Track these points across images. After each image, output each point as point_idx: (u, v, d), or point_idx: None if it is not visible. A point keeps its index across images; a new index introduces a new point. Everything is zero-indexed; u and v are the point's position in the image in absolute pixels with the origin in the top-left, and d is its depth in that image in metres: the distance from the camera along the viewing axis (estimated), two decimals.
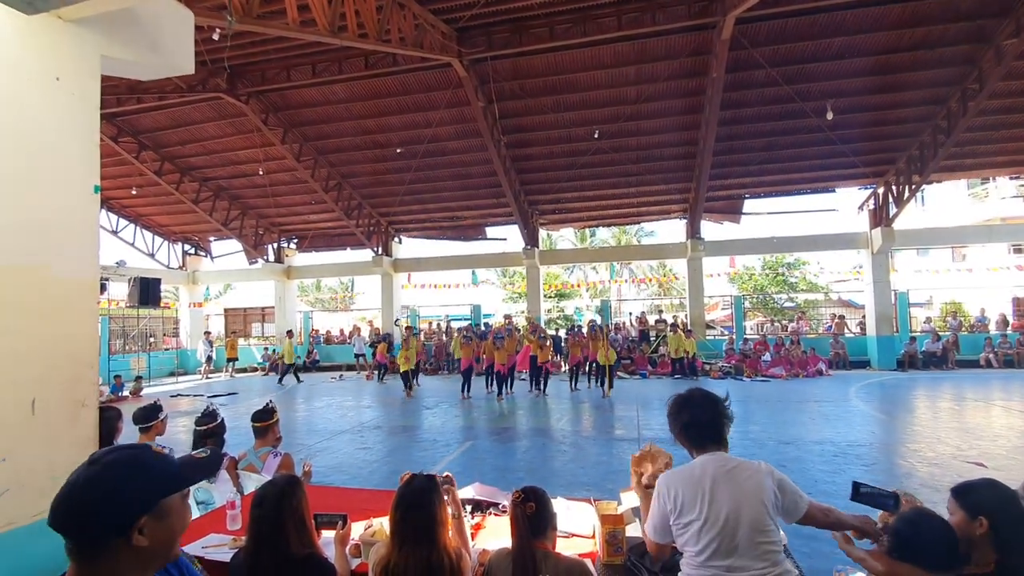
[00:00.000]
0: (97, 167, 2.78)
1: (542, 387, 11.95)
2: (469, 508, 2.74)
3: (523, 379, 12.84)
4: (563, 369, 15.32)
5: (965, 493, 1.78)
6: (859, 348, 16.04)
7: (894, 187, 14.60)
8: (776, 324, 19.83)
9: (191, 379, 18.14)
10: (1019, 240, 18.88)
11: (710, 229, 16.93)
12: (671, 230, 44.67)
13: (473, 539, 2.37)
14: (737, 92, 12.27)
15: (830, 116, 11.73)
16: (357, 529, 2.42)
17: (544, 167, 15.48)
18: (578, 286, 28.68)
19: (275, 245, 19.64)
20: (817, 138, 13.40)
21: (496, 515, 2.77)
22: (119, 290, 16.79)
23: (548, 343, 12.69)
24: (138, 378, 14.77)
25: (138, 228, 19.81)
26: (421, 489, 1.89)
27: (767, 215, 17.92)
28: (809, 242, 17.19)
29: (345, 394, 13.03)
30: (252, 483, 3.26)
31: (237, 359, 18.57)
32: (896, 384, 12.33)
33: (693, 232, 16.29)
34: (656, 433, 7.65)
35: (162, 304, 17.55)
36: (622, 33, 10.50)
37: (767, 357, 15.08)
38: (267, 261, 19.38)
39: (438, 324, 20.54)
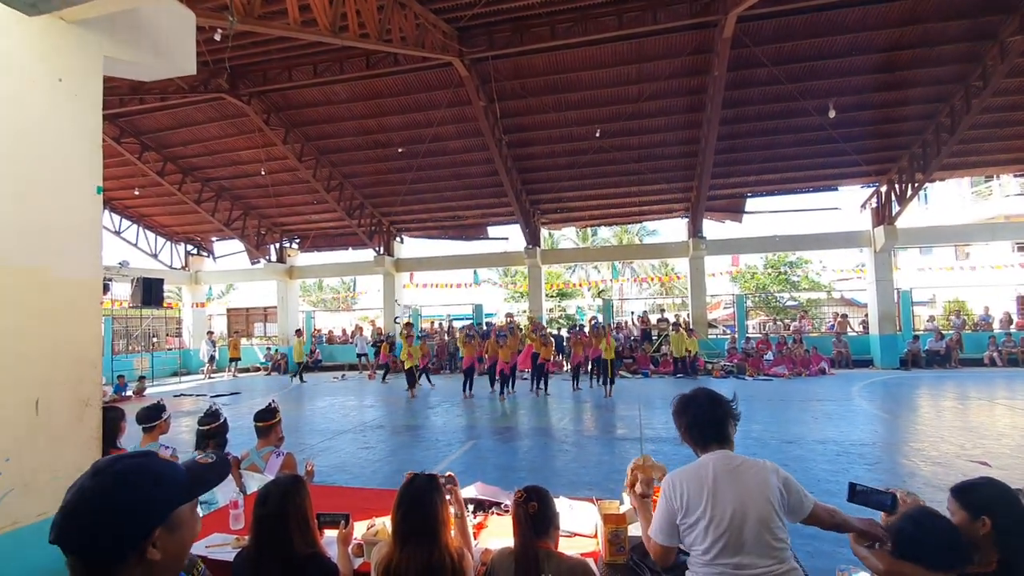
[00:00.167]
0: (99, 168, 2.78)
1: (544, 386, 11.95)
2: (471, 507, 2.74)
3: (524, 378, 12.84)
4: (565, 368, 15.34)
5: (966, 493, 1.78)
6: (862, 347, 16.00)
7: (897, 185, 14.56)
8: (778, 323, 19.80)
9: (194, 379, 18.19)
10: (1023, 238, 18.79)
11: (712, 228, 16.95)
12: (673, 229, 44.68)
13: (475, 538, 2.37)
14: (739, 90, 12.24)
15: (832, 114, 11.70)
16: (359, 528, 2.43)
17: (545, 166, 15.47)
18: (580, 285, 28.65)
19: (277, 245, 19.67)
20: (819, 136, 13.36)
21: (498, 514, 2.77)
22: (122, 290, 16.83)
23: (550, 342, 12.69)
24: (141, 378, 14.82)
25: (141, 229, 19.86)
26: (423, 489, 1.89)
27: (769, 214, 17.93)
28: (811, 240, 17.15)
29: (347, 394, 13.05)
30: (255, 483, 3.26)
31: (240, 359, 18.61)
32: (899, 383, 12.30)
33: (695, 231, 16.27)
34: (658, 432, 7.65)
35: (165, 304, 17.57)
36: (623, 32, 10.48)
37: (769, 356, 15.06)
38: (269, 261, 19.41)
39: (440, 324, 20.54)
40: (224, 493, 3.21)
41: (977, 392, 10.65)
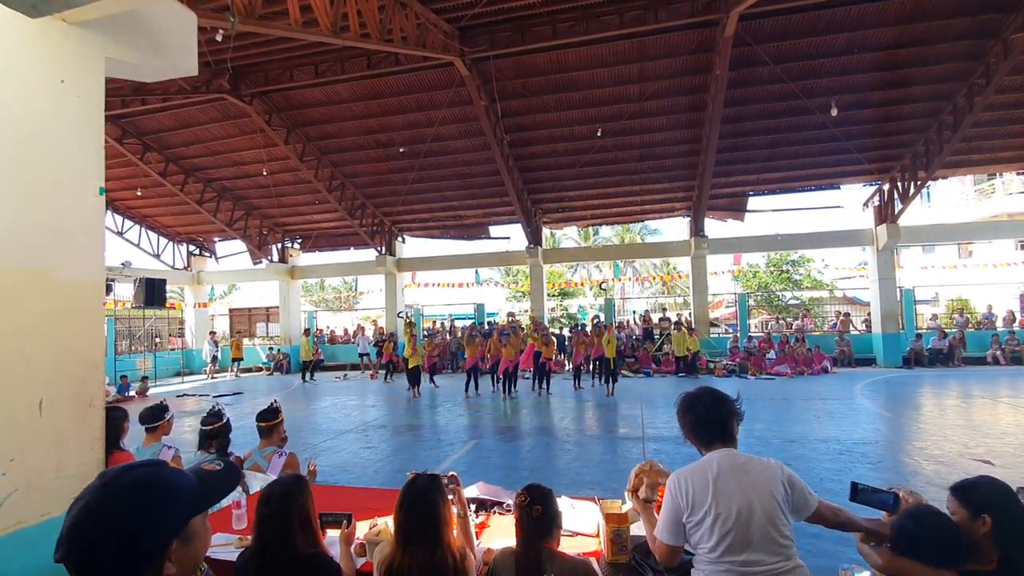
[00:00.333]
0: (102, 169, 2.79)
1: (546, 386, 11.95)
2: (473, 507, 2.74)
3: (526, 378, 12.84)
4: (567, 368, 15.34)
5: (966, 491, 1.78)
6: (864, 345, 15.97)
7: (899, 183, 14.52)
8: (781, 322, 19.76)
9: (197, 379, 18.23)
10: None
11: (714, 227, 16.94)
12: (675, 228, 44.70)
13: (478, 538, 2.37)
14: (741, 89, 12.22)
15: (834, 112, 11.68)
16: (362, 528, 2.43)
17: (547, 165, 15.47)
18: (582, 284, 28.64)
19: (279, 245, 19.70)
20: (821, 135, 13.34)
21: (500, 514, 2.78)
22: (125, 291, 16.88)
23: (552, 341, 12.68)
24: (144, 378, 14.85)
25: (143, 229, 19.91)
26: (425, 488, 1.90)
27: (771, 212, 17.88)
28: (814, 239, 17.12)
29: (349, 393, 13.07)
30: (257, 482, 3.27)
31: (242, 359, 18.65)
32: (902, 381, 12.27)
33: (697, 230, 16.25)
34: (660, 431, 7.64)
35: (167, 305, 17.62)
36: (624, 31, 10.47)
37: (772, 355, 15.04)
38: (271, 261, 19.45)
39: (442, 323, 20.57)
40: None
41: (980, 391, 10.62)
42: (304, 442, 7.59)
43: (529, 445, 7.18)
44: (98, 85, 2.77)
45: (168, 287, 16.82)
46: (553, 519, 1.94)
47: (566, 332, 17.40)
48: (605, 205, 17.19)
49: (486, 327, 15.61)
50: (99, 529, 0.82)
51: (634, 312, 21.80)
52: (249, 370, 19.33)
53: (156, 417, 3.65)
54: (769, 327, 19.15)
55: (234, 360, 18.42)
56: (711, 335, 17.08)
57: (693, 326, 15.64)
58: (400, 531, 1.85)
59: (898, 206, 14.70)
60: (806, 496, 1.90)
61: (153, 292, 15.10)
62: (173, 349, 20.31)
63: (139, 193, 17.61)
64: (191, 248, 21.08)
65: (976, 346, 15.11)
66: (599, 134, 13.41)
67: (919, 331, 15.90)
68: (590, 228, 27.38)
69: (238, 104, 12.91)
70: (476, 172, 15.74)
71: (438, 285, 21.30)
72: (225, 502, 3.17)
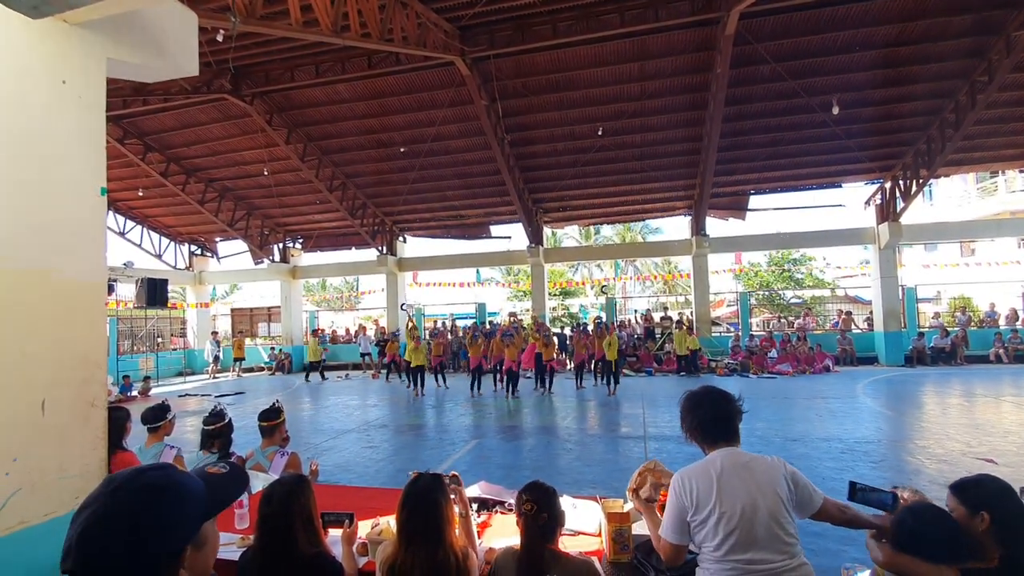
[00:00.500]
0: (103, 169, 2.79)
1: (547, 385, 11.95)
2: (475, 506, 2.74)
3: (528, 377, 12.85)
4: (568, 367, 15.33)
5: (964, 489, 1.79)
6: (866, 344, 15.94)
7: (901, 182, 14.49)
8: (782, 321, 19.73)
9: (199, 379, 18.26)
10: None
11: (715, 225, 16.91)
12: (676, 227, 44.64)
13: (479, 537, 2.37)
14: (741, 88, 12.20)
15: (836, 111, 11.66)
16: (364, 528, 2.43)
17: (548, 165, 15.46)
18: (583, 284, 28.64)
19: (280, 245, 19.72)
20: (823, 133, 13.31)
21: (502, 513, 2.78)
22: (127, 291, 16.90)
23: (553, 341, 12.68)
24: (146, 378, 14.88)
25: (145, 229, 19.94)
26: (428, 488, 1.90)
27: (773, 211, 17.86)
28: (815, 238, 17.09)
29: (351, 393, 13.08)
30: (259, 482, 3.27)
31: (244, 359, 18.68)
32: (904, 380, 12.25)
33: (698, 229, 16.23)
34: (662, 430, 7.64)
35: (169, 305, 17.64)
36: (625, 30, 10.46)
37: (773, 354, 15.02)
38: (273, 261, 19.47)
39: (443, 323, 20.58)
40: None
41: (983, 389, 10.60)
42: (306, 442, 7.61)
43: (531, 444, 7.18)
44: (99, 86, 2.77)
45: (170, 287, 16.84)
46: (557, 521, 1.93)
47: (567, 332, 17.38)
48: (606, 204, 17.18)
49: (487, 327, 15.62)
50: (112, 536, 0.79)
51: (635, 311, 21.80)
52: (251, 370, 19.36)
53: (158, 417, 3.66)
54: (771, 326, 19.13)
55: (236, 360, 18.44)
56: (713, 334, 17.06)
57: (691, 325, 15.62)
58: (402, 530, 1.85)
59: (900, 204, 14.66)
60: (810, 493, 1.90)
61: (155, 292, 15.13)
62: (175, 349, 20.34)
63: (140, 193, 17.64)
64: (193, 248, 21.11)
65: (979, 344, 15.09)
66: (600, 133, 13.41)
67: (921, 330, 15.87)
68: (591, 227, 27.37)
69: (239, 104, 12.93)
70: (477, 171, 15.74)
71: (439, 285, 21.32)
72: None
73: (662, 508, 2.17)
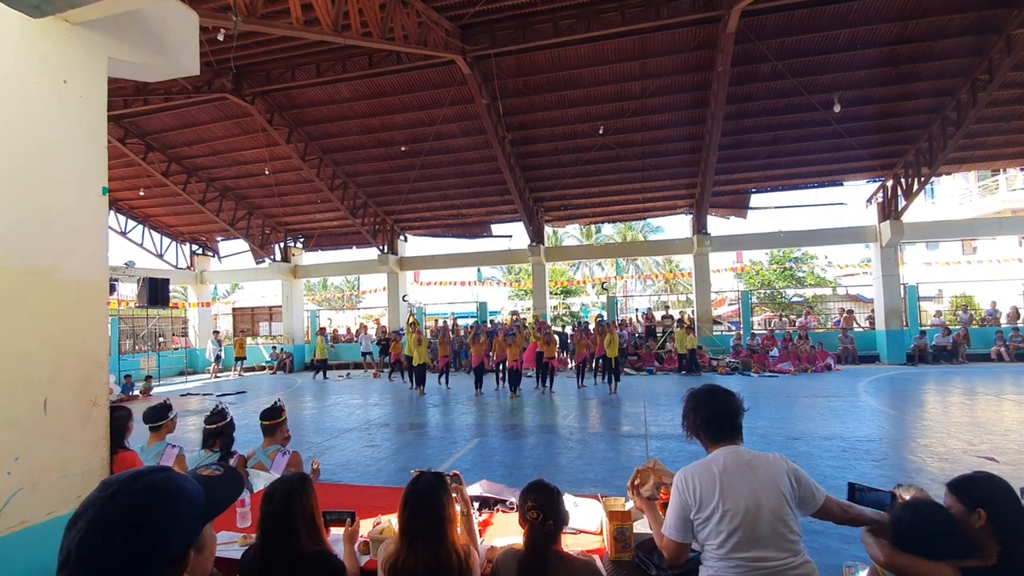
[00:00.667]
0: (105, 169, 2.79)
1: (548, 384, 11.96)
2: (477, 505, 2.74)
3: (529, 376, 12.85)
4: (570, 366, 15.34)
5: (961, 487, 1.80)
6: (868, 342, 15.93)
7: (903, 180, 14.46)
8: (784, 319, 19.72)
9: (200, 378, 18.29)
10: None
11: (716, 224, 16.88)
12: (677, 225, 44.66)
13: (481, 536, 2.38)
14: (743, 86, 12.19)
15: (837, 109, 11.64)
16: (365, 526, 2.44)
17: (549, 163, 15.45)
18: (584, 282, 28.64)
19: (281, 244, 19.73)
20: (824, 131, 13.29)
21: (504, 512, 2.78)
22: (128, 290, 16.95)
23: (554, 340, 12.68)
24: (148, 377, 14.91)
25: (146, 229, 19.96)
26: (429, 486, 1.90)
27: (774, 209, 17.83)
28: (817, 236, 17.07)
29: (353, 392, 13.09)
30: (261, 481, 3.28)
31: (245, 358, 18.71)
32: (906, 379, 12.24)
33: (699, 227, 16.21)
34: (664, 429, 7.64)
35: (171, 304, 17.66)
36: (626, 28, 10.45)
37: (775, 352, 15.01)
38: (274, 260, 19.48)
39: (445, 322, 20.60)
40: None
41: (984, 387, 10.58)
42: (307, 440, 7.62)
43: (532, 443, 7.19)
44: (101, 85, 2.77)
45: (171, 287, 16.86)
46: (561, 524, 1.92)
47: (568, 330, 17.38)
48: (607, 203, 17.17)
49: (489, 326, 15.61)
50: (114, 541, 0.77)
51: (636, 310, 21.80)
52: (252, 369, 19.38)
53: (160, 416, 3.66)
54: (772, 324, 19.11)
55: (237, 359, 18.48)
56: (714, 333, 17.05)
57: (690, 323, 15.61)
58: (404, 529, 1.85)
59: (902, 202, 14.64)
60: (812, 490, 1.90)
61: (156, 292, 15.16)
62: (176, 348, 20.37)
63: (142, 193, 17.66)
64: (194, 248, 21.13)
65: (980, 343, 15.07)
66: (601, 132, 13.40)
67: (923, 328, 15.85)
68: (592, 226, 27.36)
69: (240, 103, 12.93)
70: (478, 170, 15.74)
71: (440, 284, 21.33)
72: None
73: (663, 507, 2.17)
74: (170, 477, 0.89)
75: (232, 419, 3.65)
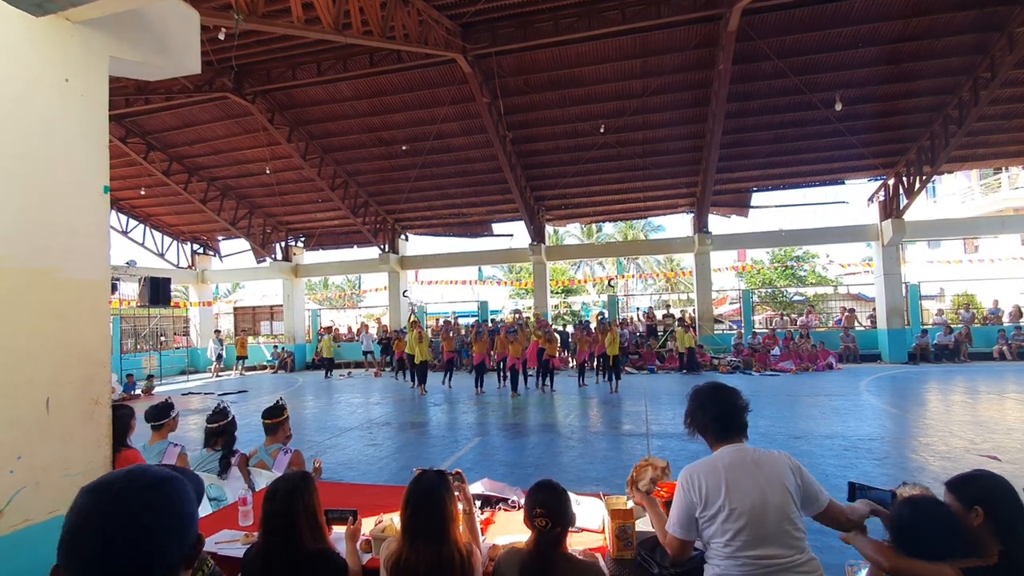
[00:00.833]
0: (106, 168, 2.79)
1: (549, 383, 11.95)
2: (479, 503, 2.75)
3: (530, 374, 12.84)
4: (571, 365, 15.34)
5: (958, 485, 1.80)
6: (870, 341, 15.91)
7: (905, 178, 14.44)
8: (785, 318, 19.70)
9: (202, 377, 18.32)
10: None
11: (718, 223, 16.87)
12: (678, 224, 44.64)
13: (483, 534, 2.37)
14: (744, 84, 12.17)
15: (839, 107, 11.62)
16: (367, 524, 2.44)
17: (550, 162, 15.44)
18: (585, 281, 28.62)
19: (283, 243, 19.75)
20: (826, 129, 13.26)
21: (506, 510, 2.78)
22: (130, 290, 16.97)
23: (555, 339, 12.68)
24: (150, 376, 14.93)
25: (147, 228, 19.98)
26: (432, 485, 1.90)
27: (775, 208, 17.79)
28: (818, 235, 17.05)
29: (354, 391, 13.10)
30: (263, 479, 3.29)
31: (247, 357, 18.74)
32: (907, 377, 12.22)
33: (700, 226, 16.19)
34: (665, 428, 7.64)
35: (172, 303, 17.69)
36: (627, 27, 10.43)
37: (776, 351, 14.99)
38: (275, 259, 19.50)
39: (446, 321, 20.60)
40: (233, 490, 3.23)
41: (986, 386, 10.57)
42: (309, 439, 7.62)
43: (534, 442, 7.19)
44: (102, 84, 2.77)
45: (173, 286, 16.89)
46: (568, 527, 1.91)
47: (570, 329, 17.37)
48: (608, 202, 17.16)
49: (490, 325, 15.60)
50: (142, 532, 0.78)
51: (638, 309, 21.78)
52: (253, 368, 19.41)
53: (162, 415, 3.66)
54: (774, 323, 19.10)
55: (238, 358, 18.51)
56: (715, 331, 17.03)
57: (689, 322, 15.60)
58: (407, 527, 1.85)
59: (903, 201, 14.61)
60: (816, 491, 1.90)
61: (158, 291, 15.18)
62: (178, 347, 20.40)
63: (143, 192, 17.67)
64: (195, 247, 21.15)
65: (982, 341, 15.04)
66: (602, 130, 13.38)
67: (925, 327, 15.83)
68: (593, 225, 27.37)
69: (241, 103, 12.93)
70: (479, 169, 15.73)
71: (441, 282, 21.33)
72: (232, 498, 3.19)
73: (665, 506, 2.17)
74: (171, 474, 0.88)
75: (234, 418, 3.65)
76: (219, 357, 18.54)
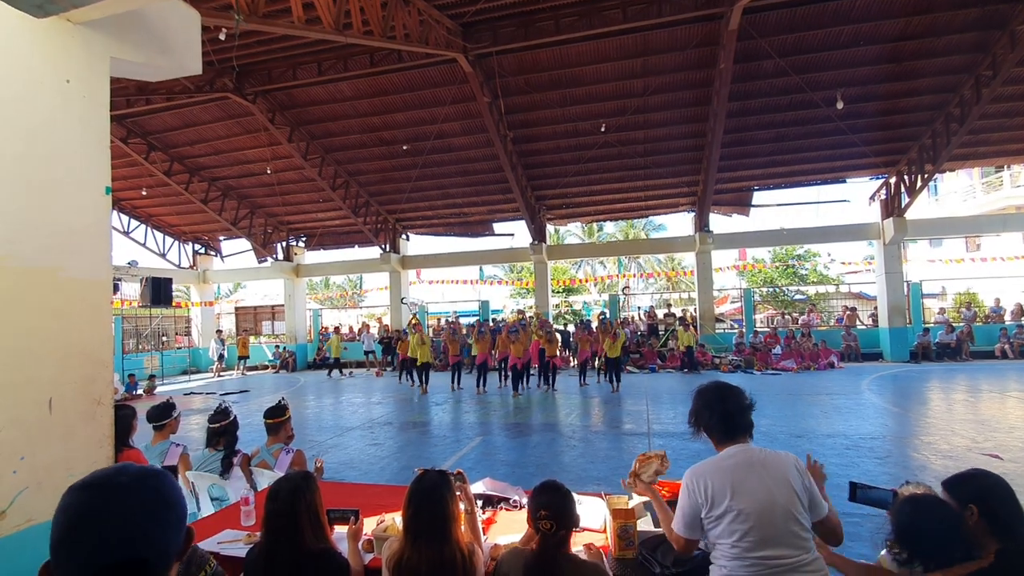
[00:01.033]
0: (108, 168, 2.80)
1: (551, 382, 11.95)
2: (480, 503, 2.75)
3: (532, 374, 12.84)
4: (572, 364, 15.34)
5: (954, 484, 1.80)
6: (871, 340, 15.88)
7: (906, 177, 14.41)
8: (787, 317, 19.68)
9: (203, 377, 18.35)
10: None
11: (719, 222, 16.85)
12: (679, 223, 44.59)
13: (485, 534, 2.38)
14: (745, 83, 12.15)
15: (840, 105, 11.58)
16: (369, 524, 2.44)
17: (551, 162, 15.43)
18: (586, 281, 28.60)
19: (284, 243, 19.76)
20: (827, 128, 13.24)
21: (507, 510, 2.78)
22: (132, 290, 16.98)
23: (556, 338, 12.68)
24: (151, 377, 14.96)
25: (149, 228, 20.00)
26: (433, 484, 1.90)
27: (777, 207, 17.79)
28: (820, 233, 17.03)
29: (356, 391, 13.11)
30: (265, 479, 3.29)
31: (248, 357, 18.76)
32: (909, 376, 12.21)
33: (702, 225, 16.18)
34: (666, 427, 7.64)
35: (174, 304, 17.72)
36: (628, 26, 10.42)
37: (778, 350, 14.98)
38: (276, 259, 19.51)
39: (447, 320, 20.61)
40: (235, 490, 3.24)
41: (988, 385, 10.55)
42: (311, 439, 7.63)
43: (535, 441, 7.19)
44: (103, 85, 2.78)
45: (174, 286, 16.91)
46: (572, 529, 1.91)
47: (571, 328, 17.37)
48: (609, 201, 17.15)
49: (492, 324, 15.60)
50: (141, 523, 0.78)
51: (639, 308, 21.77)
52: (255, 368, 19.43)
53: (164, 415, 3.67)
54: (775, 322, 19.08)
55: (240, 358, 18.54)
56: (717, 331, 17.02)
57: (688, 321, 15.58)
58: (409, 527, 1.86)
59: (905, 199, 14.58)
60: (819, 498, 1.89)
61: (159, 291, 15.19)
62: (180, 347, 20.42)
63: (144, 192, 17.69)
64: (197, 247, 21.17)
65: (984, 340, 15.01)
66: (603, 129, 13.37)
67: (926, 325, 15.81)
68: (594, 224, 27.34)
69: (242, 103, 12.93)
70: (480, 169, 15.73)
71: (442, 282, 21.32)
72: (234, 498, 3.19)
73: (671, 502, 2.17)
74: (161, 471, 0.89)
75: (235, 418, 3.66)
76: (221, 357, 18.57)
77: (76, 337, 2.55)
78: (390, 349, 17.72)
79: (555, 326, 15.92)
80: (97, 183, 2.72)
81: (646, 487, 2.31)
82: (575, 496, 2.74)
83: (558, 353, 12.75)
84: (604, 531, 2.45)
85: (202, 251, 21.22)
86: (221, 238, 21.05)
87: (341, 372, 16.70)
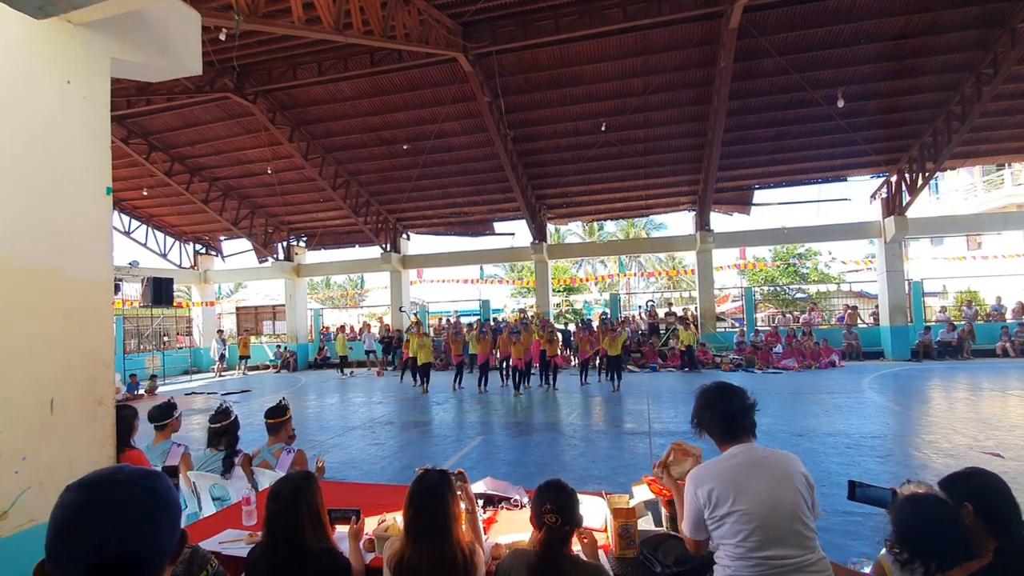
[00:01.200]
0: (108, 169, 2.80)
1: (551, 382, 11.96)
2: (481, 502, 2.75)
3: (533, 373, 12.85)
4: (573, 364, 15.34)
5: (949, 483, 1.80)
6: (872, 339, 15.87)
7: (907, 175, 14.39)
8: (788, 315, 19.66)
9: (205, 377, 18.36)
10: None
11: (720, 221, 16.84)
12: (680, 222, 44.53)
13: (486, 533, 2.38)
14: (746, 81, 12.14)
15: (841, 104, 11.57)
16: (371, 524, 2.44)
17: (551, 161, 15.43)
18: (587, 280, 28.59)
19: (284, 243, 19.77)
20: (828, 126, 13.23)
21: (508, 509, 2.78)
22: (133, 290, 17.01)
23: (557, 338, 12.68)
24: (153, 377, 14.98)
25: (150, 229, 20.02)
26: (434, 484, 1.90)
27: (777, 205, 17.76)
28: (820, 232, 17.01)
29: (356, 390, 13.12)
30: (266, 479, 3.30)
31: (249, 357, 18.78)
32: (910, 375, 12.20)
33: (702, 224, 16.17)
34: (667, 426, 7.64)
35: (175, 304, 17.74)
36: (628, 24, 10.41)
37: (779, 349, 14.97)
38: (277, 259, 19.51)
39: (448, 320, 20.62)
40: (236, 490, 3.25)
41: (990, 383, 10.54)
42: (312, 439, 7.64)
43: (536, 440, 7.19)
44: (104, 85, 2.78)
45: (175, 286, 16.94)
46: (576, 527, 1.91)
47: (572, 328, 17.36)
48: (610, 200, 17.14)
49: (492, 324, 15.59)
50: (141, 524, 0.79)
51: (639, 307, 21.76)
52: (256, 368, 19.45)
53: (165, 415, 3.68)
54: (776, 321, 19.06)
55: (241, 358, 18.56)
56: (717, 329, 17.01)
57: (688, 320, 15.57)
58: (410, 527, 1.86)
59: (906, 198, 14.56)
60: (816, 501, 1.90)
61: (160, 291, 15.21)
62: (181, 348, 20.45)
63: (145, 193, 17.70)
64: (197, 247, 21.19)
65: (985, 338, 14.99)
66: (603, 129, 13.36)
67: (928, 324, 15.79)
68: (595, 223, 27.32)
69: (242, 103, 12.94)
70: (480, 168, 15.73)
71: (443, 281, 21.31)
72: (235, 498, 3.20)
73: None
74: (157, 471, 0.89)
75: (236, 418, 3.66)
76: (222, 357, 18.59)
77: (77, 337, 2.56)
78: (391, 349, 17.75)
79: (556, 325, 15.92)
80: (98, 183, 2.72)
81: (672, 483, 2.29)
82: (577, 495, 2.75)
83: (559, 352, 12.76)
84: (605, 530, 2.45)
85: (203, 251, 21.24)
86: (222, 238, 21.06)
87: (343, 372, 16.72)
